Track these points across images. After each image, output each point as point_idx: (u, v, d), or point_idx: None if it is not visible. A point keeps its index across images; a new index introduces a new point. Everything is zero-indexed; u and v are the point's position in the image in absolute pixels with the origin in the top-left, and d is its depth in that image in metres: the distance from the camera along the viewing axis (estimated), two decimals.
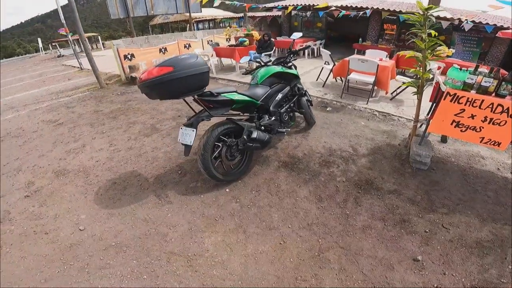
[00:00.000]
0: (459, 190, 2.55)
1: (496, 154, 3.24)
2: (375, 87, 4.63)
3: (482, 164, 3.04)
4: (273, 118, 2.82)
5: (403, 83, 4.44)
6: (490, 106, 2.27)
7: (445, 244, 1.95)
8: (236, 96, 2.38)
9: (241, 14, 16.95)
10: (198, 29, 17.14)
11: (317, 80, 6.07)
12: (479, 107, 2.33)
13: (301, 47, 8.93)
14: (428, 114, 3.13)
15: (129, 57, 6.71)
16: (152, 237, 2.02)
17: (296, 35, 3.16)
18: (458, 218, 2.19)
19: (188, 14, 9.20)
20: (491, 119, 2.32)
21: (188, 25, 15.04)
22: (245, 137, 2.42)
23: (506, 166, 3.00)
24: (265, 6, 9.41)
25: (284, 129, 2.87)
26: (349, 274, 1.74)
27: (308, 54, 9.17)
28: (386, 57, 5.59)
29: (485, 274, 1.72)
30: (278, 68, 2.92)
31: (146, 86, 1.89)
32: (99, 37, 20.71)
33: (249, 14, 11.70)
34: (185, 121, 2.30)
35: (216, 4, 6.34)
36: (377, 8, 7.92)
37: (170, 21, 16.75)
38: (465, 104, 2.37)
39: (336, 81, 5.89)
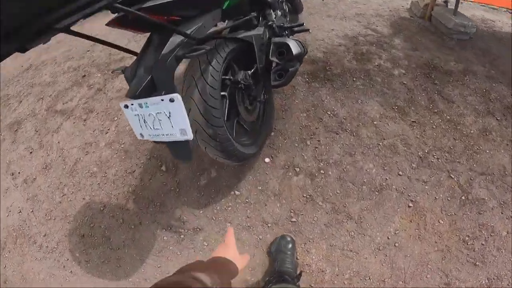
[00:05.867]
0: (507, 53, 2.09)
1: (497, 16, 2.89)
2: None
3: (494, 26, 2.65)
4: (278, 11, 1.40)
5: None
6: None
7: None
8: None
9: None
10: None
11: None
12: None
13: None
14: None
15: None
16: None
17: None
18: None
19: None
20: None
21: None
22: (276, 59, 1.06)
23: None
24: None
25: (298, 26, 1.50)
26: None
27: None
28: None
29: None
30: None
31: None
32: None
33: None
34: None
35: None
36: None
37: None
38: None
39: None
